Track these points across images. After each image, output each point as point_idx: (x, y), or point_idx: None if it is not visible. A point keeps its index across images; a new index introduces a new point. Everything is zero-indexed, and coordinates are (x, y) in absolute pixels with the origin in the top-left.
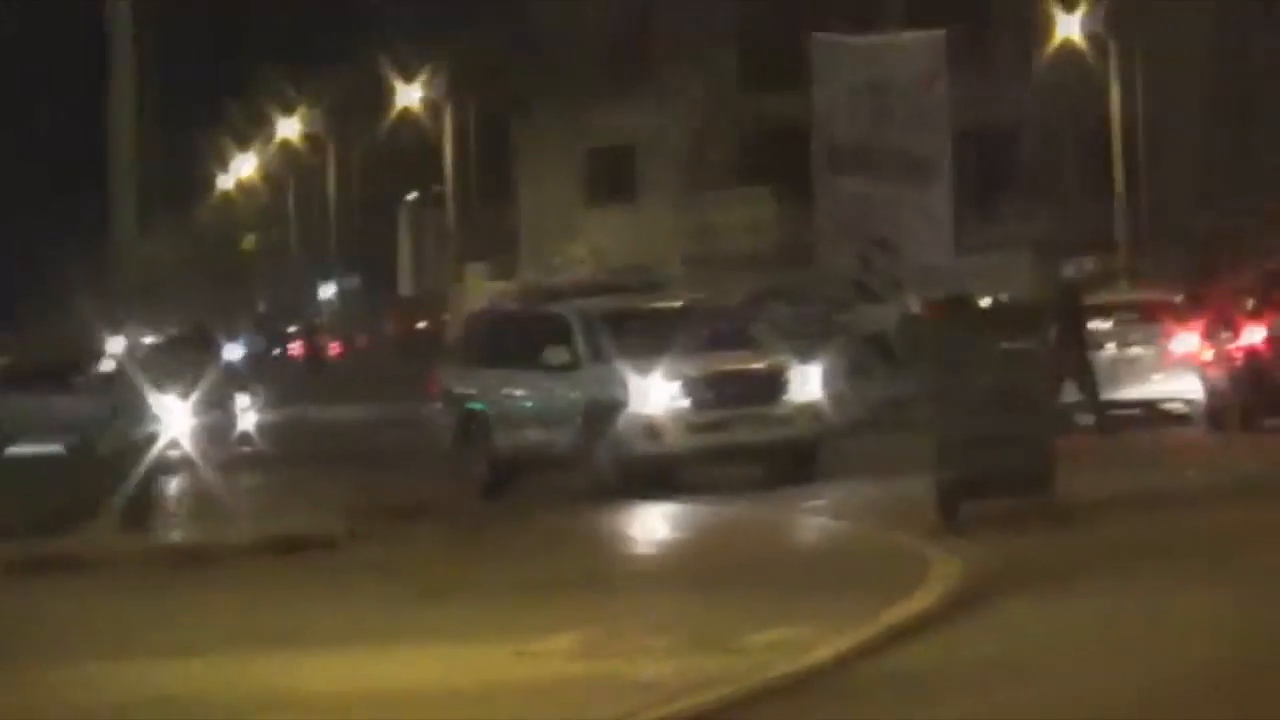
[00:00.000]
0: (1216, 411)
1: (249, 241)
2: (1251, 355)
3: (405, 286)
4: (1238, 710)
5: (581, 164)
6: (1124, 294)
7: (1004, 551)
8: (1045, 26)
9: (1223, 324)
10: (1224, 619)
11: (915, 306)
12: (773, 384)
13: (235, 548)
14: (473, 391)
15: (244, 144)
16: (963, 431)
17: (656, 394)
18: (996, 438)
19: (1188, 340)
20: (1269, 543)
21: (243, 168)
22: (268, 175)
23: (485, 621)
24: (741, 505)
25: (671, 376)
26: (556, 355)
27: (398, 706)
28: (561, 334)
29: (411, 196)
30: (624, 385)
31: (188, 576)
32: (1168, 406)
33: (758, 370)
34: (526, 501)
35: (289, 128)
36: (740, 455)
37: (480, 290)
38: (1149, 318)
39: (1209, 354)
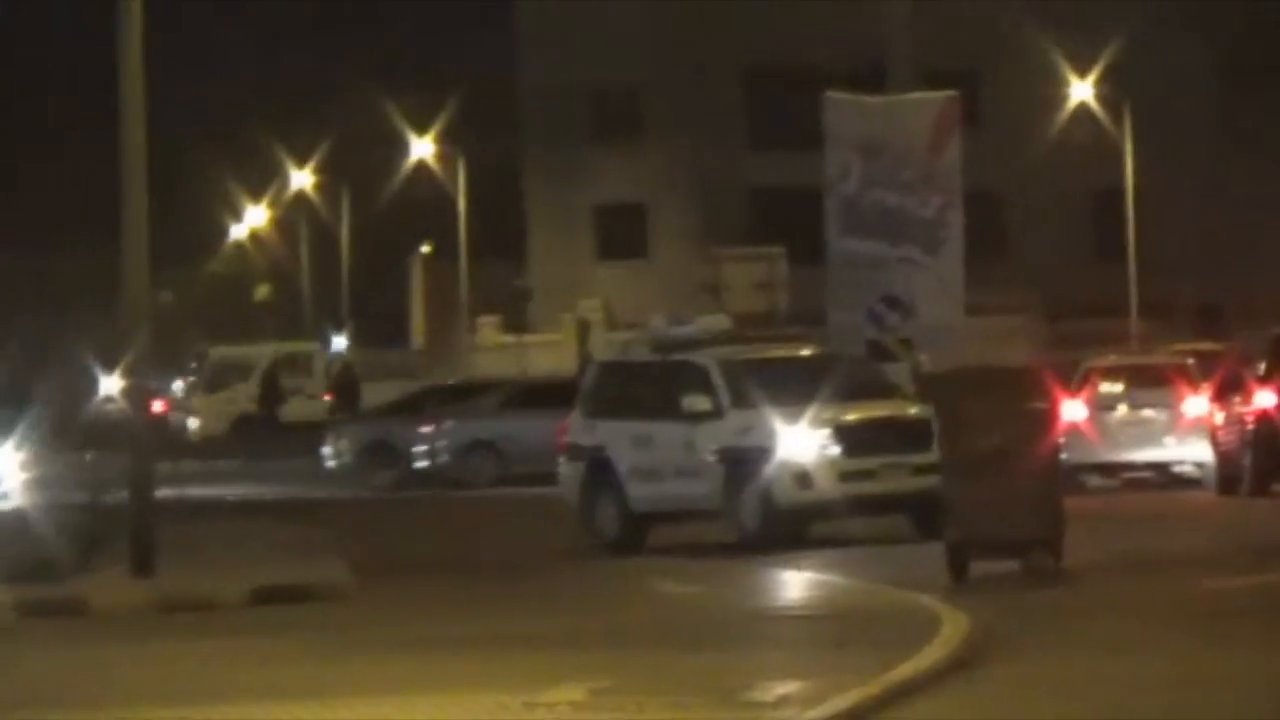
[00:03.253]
0: (1227, 475)
1: (263, 291)
2: (1262, 419)
3: (416, 340)
4: None
5: (591, 220)
6: (1134, 356)
7: (1012, 611)
8: (1049, 88)
9: (1233, 387)
10: (1240, 677)
11: (928, 365)
12: (920, 432)
13: (238, 596)
14: (603, 443)
15: (256, 195)
16: (972, 491)
17: (807, 441)
18: (1005, 498)
19: (1198, 403)
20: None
21: (255, 217)
22: (280, 224)
23: (494, 674)
24: (753, 563)
25: (822, 423)
26: (697, 403)
27: None
28: (701, 382)
29: (425, 249)
30: (771, 432)
31: (192, 625)
32: (1179, 470)
33: (905, 418)
34: (530, 555)
35: (302, 178)
36: (888, 505)
37: (492, 342)
38: (1160, 381)
39: (1220, 417)
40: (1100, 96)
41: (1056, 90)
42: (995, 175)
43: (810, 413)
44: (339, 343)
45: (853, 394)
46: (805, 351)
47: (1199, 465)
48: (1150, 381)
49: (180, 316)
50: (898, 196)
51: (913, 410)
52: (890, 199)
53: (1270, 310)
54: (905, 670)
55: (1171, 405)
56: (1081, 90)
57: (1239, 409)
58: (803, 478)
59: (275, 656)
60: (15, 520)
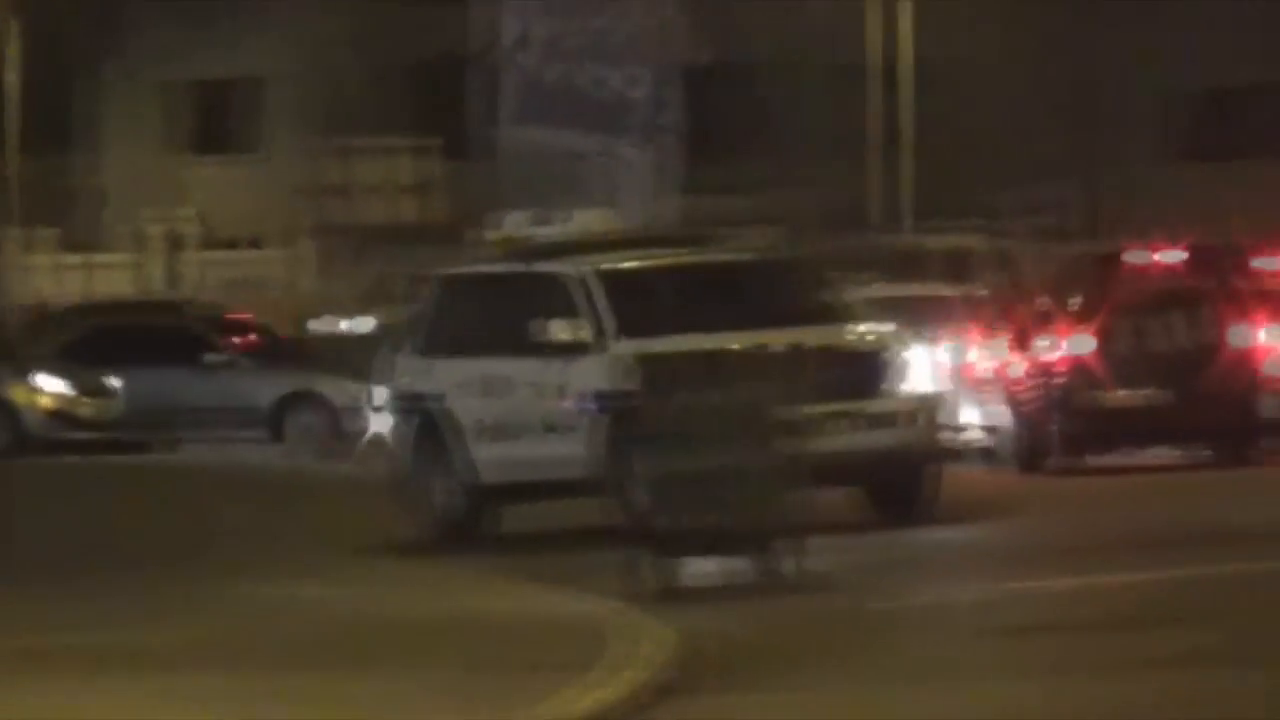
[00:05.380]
0: (1029, 446)
1: None
2: (1076, 369)
3: None
4: None
5: (185, 105)
6: (889, 289)
7: (719, 624)
8: None
9: (1037, 330)
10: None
11: None
12: (877, 368)
13: None
14: (437, 390)
15: None
16: (682, 470)
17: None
18: (713, 479)
19: (990, 352)
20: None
21: None
22: None
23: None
24: (424, 564)
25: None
26: (566, 331)
27: None
28: (573, 302)
29: None
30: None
31: None
32: (964, 437)
33: (856, 347)
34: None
35: None
36: (833, 470)
37: (51, 262)
38: (926, 319)
39: (1019, 369)
40: None
41: None
42: (733, 47)
43: (711, 344)
44: None
45: (783, 316)
46: (725, 257)
47: (991, 431)
48: (924, 319)
49: None
50: (597, 69)
51: (868, 336)
52: (585, 73)
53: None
54: (590, 701)
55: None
56: None
57: (1046, 358)
58: None
59: None
60: None
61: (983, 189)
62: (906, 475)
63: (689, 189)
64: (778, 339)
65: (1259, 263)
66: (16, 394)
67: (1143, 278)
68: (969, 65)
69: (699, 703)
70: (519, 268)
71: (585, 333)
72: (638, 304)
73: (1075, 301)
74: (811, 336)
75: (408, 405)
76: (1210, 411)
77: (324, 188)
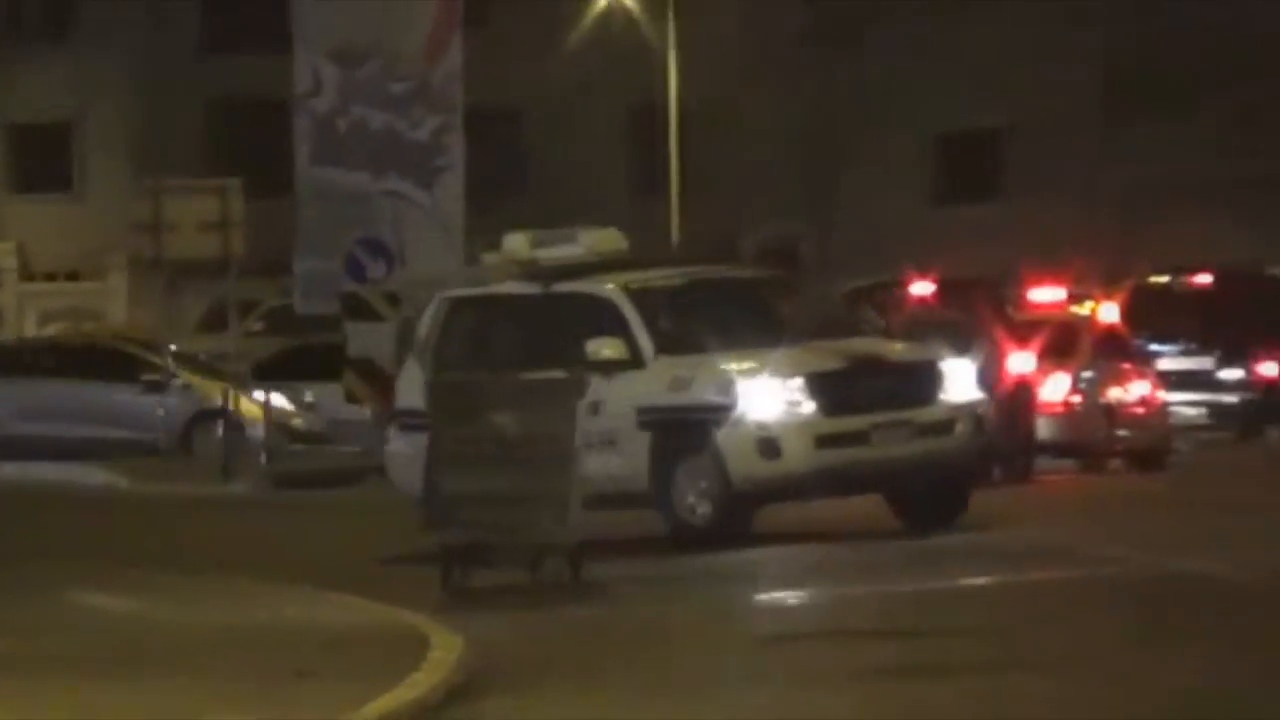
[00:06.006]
0: None
1: None
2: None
3: None
4: None
5: (4, 143)
6: None
7: (510, 634)
8: None
9: None
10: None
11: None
12: (924, 379)
13: None
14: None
15: None
16: (469, 484)
17: (772, 395)
18: (505, 494)
19: None
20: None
21: None
22: None
23: None
24: (208, 575)
25: (789, 371)
26: (605, 349)
27: None
28: (607, 321)
29: None
30: (722, 384)
31: None
32: None
33: (903, 361)
34: None
35: None
36: (883, 478)
37: None
38: None
39: None
40: None
41: None
42: (516, 90)
43: (772, 357)
44: None
45: (819, 331)
46: (743, 273)
47: None
48: None
49: None
50: (385, 115)
51: (909, 351)
52: (375, 118)
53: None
54: (378, 706)
55: None
56: None
57: None
58: (768, 445)
59: None
60: None
61: (743, 227)
62: (954, 480)
63: (471, 227)
64: (831, 351)
65: (1036, 294)
66: None
67: (903, 308)
68: (732, 109)
69: (483, 705)
70: (537, 289)
71: (623, 350)
72: (670, 320)
73: None
74: (859, 348)
75: (418, 423)
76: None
77: (135, 224)
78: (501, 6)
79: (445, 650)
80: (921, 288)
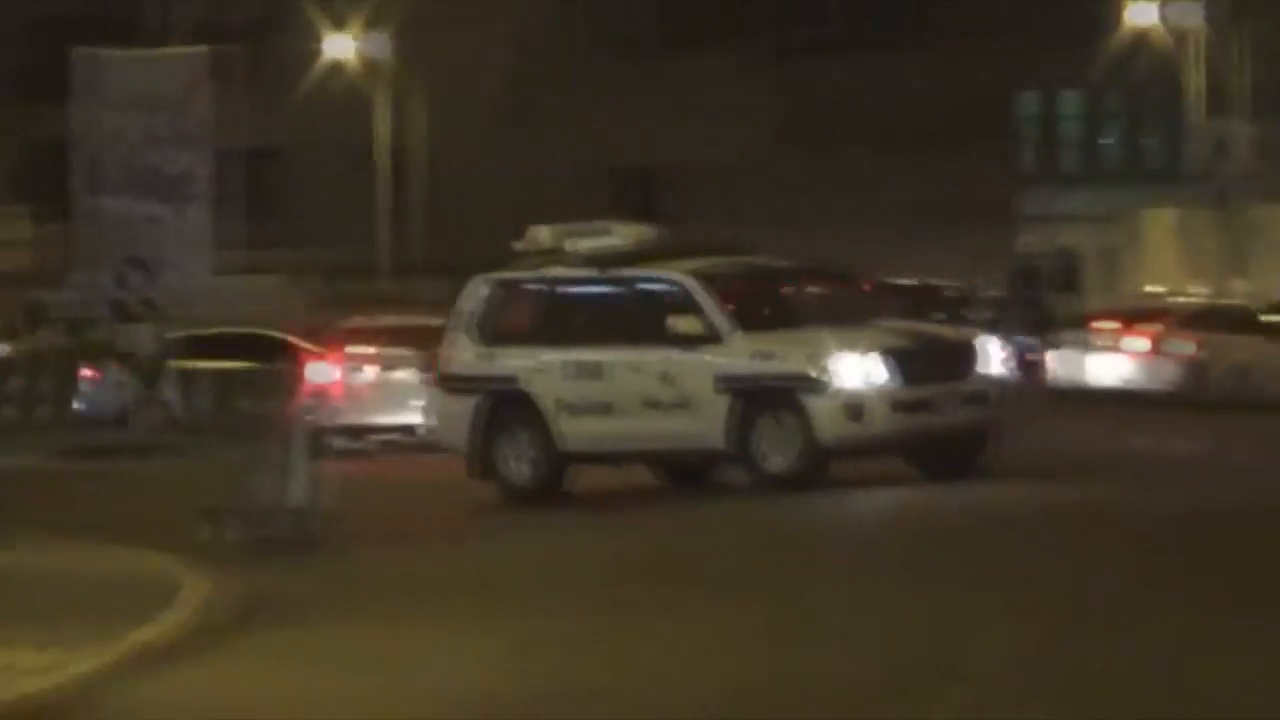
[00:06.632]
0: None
1: None
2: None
3: None
4: None
5: None
6: (389, 319)
7: (255, 581)
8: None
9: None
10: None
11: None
12: (966, 357)
13: None
14: (513, 373)
15: None
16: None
17: (859, 366)
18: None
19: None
20: (548, 576)
21: None
22: None
23: None
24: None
25: (870, 346)
26: (682, 326)
27: None
28: (680, 302)
29: None
30: (813, 356)
31: None
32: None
33: (953, 339)
34: None
35: None
36: (939, 440)
37: None
38: (411, 343)
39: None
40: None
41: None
42: (275, 131)
43: (848, 335)
44: None
45: (864, 314)
46: (781, 263)
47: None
48: (402, 344)
49: None
50: (147, 153)
51: (954, 333)
52: (139, 157)
53: None
54: (136, 639)
55: (422, 368)
56: (341, 44)
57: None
58: (855, 409)
59: None
60: None
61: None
62: (979, 442)
63: (247, 245)
64: (894, 330)
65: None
66: None
67: None
68: (467, 145)
69: (249, 638)
70: (593, 273)
71: (699, 327)
72: (734, 303)
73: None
74: (916, 328)
75: (471, 387)
76: None
77: None
78: (276, 62)
79: (193, 590)
80: None
